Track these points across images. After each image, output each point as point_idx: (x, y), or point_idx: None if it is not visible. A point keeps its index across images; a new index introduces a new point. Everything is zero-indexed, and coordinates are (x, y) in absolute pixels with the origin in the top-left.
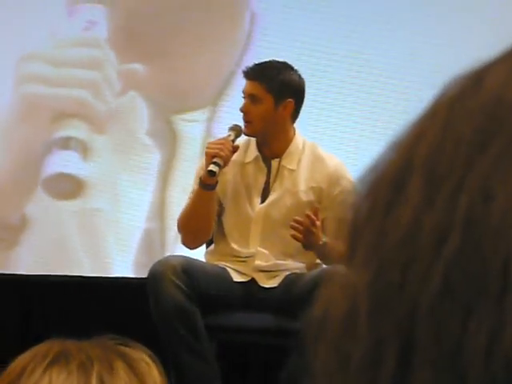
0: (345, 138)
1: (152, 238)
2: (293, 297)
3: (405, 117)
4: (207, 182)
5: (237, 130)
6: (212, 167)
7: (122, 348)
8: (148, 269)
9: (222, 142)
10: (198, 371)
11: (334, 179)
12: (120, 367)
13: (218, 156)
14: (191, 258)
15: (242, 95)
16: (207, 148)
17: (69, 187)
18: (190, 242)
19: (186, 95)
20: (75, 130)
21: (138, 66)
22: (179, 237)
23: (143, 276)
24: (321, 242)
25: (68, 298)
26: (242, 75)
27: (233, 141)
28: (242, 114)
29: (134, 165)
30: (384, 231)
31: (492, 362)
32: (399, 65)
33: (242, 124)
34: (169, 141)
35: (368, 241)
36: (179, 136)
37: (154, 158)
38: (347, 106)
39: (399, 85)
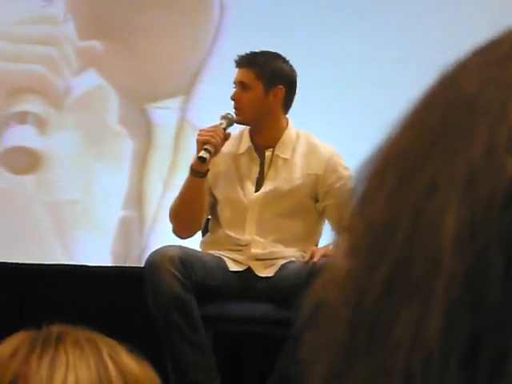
0: (341, 128)
1: (129, 226)
2: (288, 286)
3: (400, 106)
4: (198, 170)
5: (228, 119)
6: (203, 153)
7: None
8: (126, 257)
9: (213, 129)
10: (193, 361)
11: (331, 166)
12: (120, 350)
13: (209, 143)
14: (188, 248)
15: (234, 85)
16: (198, 135)
17: (27, 161)
18: (181, 231)
19: (157, 83)
20: (32, 104)
21: (96, 43)
22: (157, 224)
23: (121, 264)
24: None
25: (53, 287)
26: (213, 64)
27: (224, 129)
28: (232, 102)
29: (107, 153)
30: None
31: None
32: (398, 52)
33: (233, 113)
34: (143, 129)
35: (355, 231)
36: (153, 124)
37: (126, 146)
38: (336, 98)
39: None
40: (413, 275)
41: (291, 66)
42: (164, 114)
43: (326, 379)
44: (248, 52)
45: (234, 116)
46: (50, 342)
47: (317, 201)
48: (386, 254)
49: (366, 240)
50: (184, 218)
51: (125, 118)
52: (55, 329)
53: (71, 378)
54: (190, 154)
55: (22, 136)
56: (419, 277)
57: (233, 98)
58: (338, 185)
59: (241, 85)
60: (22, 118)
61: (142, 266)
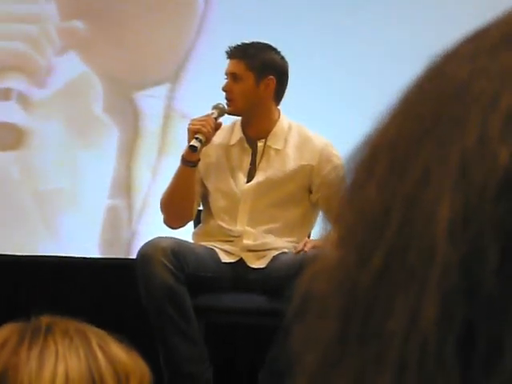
0: (333, 121)
1: (118, 214)
2: (281, 277)
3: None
4: (189, 159)
5: (220, 109)
6: (194, 142)
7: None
8: (114, 245)
9: (204, 118)
10: (186, 352)
11: (324, 157)
12: (109, 340)
13: (200, 132)
14: (180, 240)
15: (225, 76)
16: (189, 124)
17: (11, 137)
18: (173, 222)
19: (143, 70)
20: (15, 81)
21: (78, 24)
22: (145, 213)
23: (112, 256)
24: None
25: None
26: (200, 52)
27: (215, 118)
28: (224, 93)
29: (93, 142)
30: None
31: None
32: (391, 46)
33: (224, 103)
34: (129, 117)
35: (345, 220)
36: (140, 112)
37: (113, 134)
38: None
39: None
40: (407, 264)
41: (283, 57)
42: (151, 102)
43: (317, 370)
44: (239, 43)
45: (226, 107)
46: (39, 332)
47: (310, 192)
48: (380, 243)
49: (357, 228)
50: (175, 207)
51: (111, 106)
52: (44, 320)
53: (61, 369)
54: (177, 142)
55: (6, 112)
56: (414, 265)
57: (224, 89)
58: (332, 175)
59: (232, 76)
60: (5, 94)
61: (133, 256)
